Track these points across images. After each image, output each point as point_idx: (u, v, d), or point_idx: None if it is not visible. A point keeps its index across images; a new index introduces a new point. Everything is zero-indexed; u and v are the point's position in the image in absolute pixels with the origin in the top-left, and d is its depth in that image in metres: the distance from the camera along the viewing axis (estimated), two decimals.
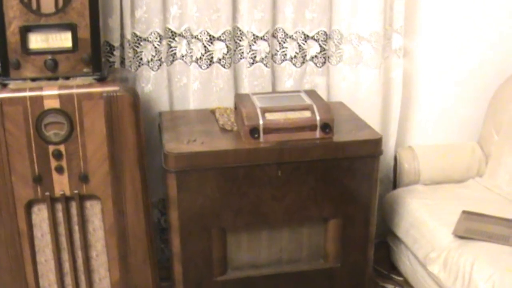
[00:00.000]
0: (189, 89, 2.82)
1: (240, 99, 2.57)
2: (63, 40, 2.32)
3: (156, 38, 2.72)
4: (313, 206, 2.52)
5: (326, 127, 2.46)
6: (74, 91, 2.29)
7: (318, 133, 2.46)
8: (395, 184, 3.02)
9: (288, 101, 2.56)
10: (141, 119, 2.38)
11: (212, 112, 2.75)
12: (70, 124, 2.30)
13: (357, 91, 2.94)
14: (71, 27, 2.31)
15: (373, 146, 2.50)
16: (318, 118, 2.45)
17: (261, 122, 2.42)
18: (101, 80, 2.35)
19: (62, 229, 2.46)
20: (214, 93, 2.81)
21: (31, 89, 2.28)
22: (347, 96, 2.94)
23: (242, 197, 2.45)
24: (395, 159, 3.01)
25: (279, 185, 2.46)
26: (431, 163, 2.99)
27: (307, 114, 2.47)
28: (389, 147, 3.01)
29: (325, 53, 2.86)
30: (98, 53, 2.36)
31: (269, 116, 2.45)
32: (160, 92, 2.79)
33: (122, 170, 2.39)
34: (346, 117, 2.72)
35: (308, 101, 2.54)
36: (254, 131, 2.42)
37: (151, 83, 2.78)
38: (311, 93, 2.64)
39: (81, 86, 2.31)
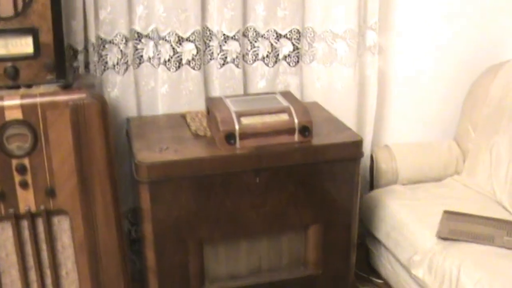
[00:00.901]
0: (157, 93, 2.63)
1: (213, 103, 2.40)
2: (24, 45, 2.11)
3: (122, 40, 2.52)
4: (293, 212, 2.35)
5: (305, 130, 2.29)
6: (38, 100, 2.08)
7: (296, 137, 2.30)
8: (371, 185, 2.88)
9: (263, 104, 2.39)
10: (110, 127, 2.19)
11: (183, 116, 2.57)
12: (34, 136, 2.10)
13: (331, 90, 2.78)
14: (32, 32, 2.10)
15: (354, 148, 2.35)
16: (296, 121, 2.29)
17: (237, 127, 2.25)
18: (66, 88, 2.15)
19: (28, 248, 2.25)
20: (184, 96, 2.63)
21: None
22: (321, 96, 2.78)
23: (219, 206, 2.27)
24: (371, 159, 2.86)
25: (258, 193, 2.29)
26: (408, 162, 2.85)
27: (284, 117, 2.30)
28: (365, 146, 2.84)
29: (298, 52, 2.70)
30: (62, 59, 2.15)
31: (245, 120, 2.28)
32: (127, 97, 2.60)
33: (92, 183, 2.19)
34: (323, 118, 2.56)
35: (284, 103, 2.37)
36: (230, 137, 2.25)
37: (118, 87, 2.58)
38: (287, 95, 2.48)
39: (45, 95, 2.10)
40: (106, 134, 2.16)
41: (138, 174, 2.20)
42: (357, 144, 2.36)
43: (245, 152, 2.25)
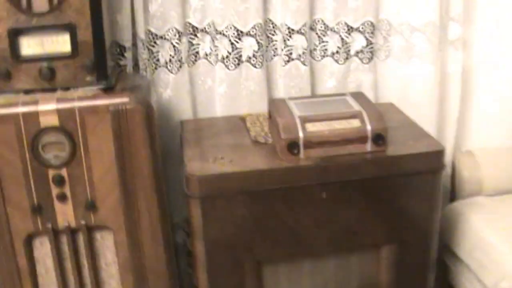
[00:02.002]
0: (214, 93, 2.29)
1: (275, 106, 2.05)
2: (60, 43, 1.81)
3: (175, 35, 2.18)
4: (364, 231, 1.99)
5: (379, 138, 1.93)
6: (76, 104, 1.79)
7: (369, 146, 1.94)
8: (452, 195, 2.49)
9: (332, 108, 2.03)
10: (156, 135, 1.87)
11: (242, 119, 2.23)
12: (72, 144, 1.81)
13: (409, 90, 2.38)
14: (69, 28, 1.80)
15: (434, 159, 1.97)
16: (369, 127, 1.92)
17: (301, 134, 1.90)
18: (108, 90, 1.85)
19: (69, 265, 1.98)
20: (244, 97, 2.28)
21: (24, 104, 1.78)
22: (397, 97, 2.39)
23: (280, 224, 1.93)
24: (453, 166, 2.47)
25: (324, 209, 1.94)
26: (494, 170, 2.43)
27: (355, 123, 1.94)
28: (446, 151, 2.45)
29: (371, 47, 2.31)
30: (103, 58, 1.84)
31: (311, 127, 1.93)
32: (182, 97, 2.26)
33: (136, 197, 1.88)
34: (399, 122, 2.18)
35: (356, 106, 2.01)
36: (293, 146, 1.90)
37: (171, 87, 2.24)
38: (359, 96, 2.11)
39: (84, 99, 1.80)
40: (152, 143, 1.85)
41: (188, 188, 1.88)
42: (439, 155, 1.97)
43: (310, 164, 1.89)
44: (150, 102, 1.87)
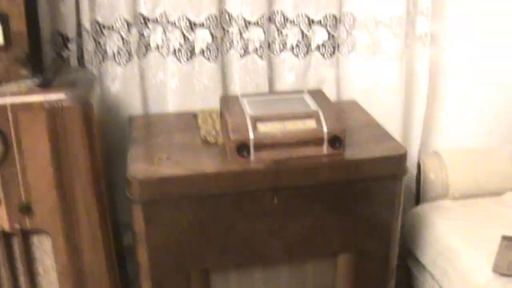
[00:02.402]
0: (166, 87, 2.13)
1: (226, 103, 1.90)
2: None
3: (124, 26, 2.02)
4: (320, 239, 1.86)
5: (336, 140, 1.79)
6: (8, 100, 1.63)
7: (325, 149, 1.80)
8: (418, 198, 2.35)
9: (287, 107, 1.88)
10: (96, 135, 1.72)
11: (195, 116, 2.09)
12: (5, 143, 1.65)
13: (373, 87, 2.24)
14: (1, 18, 1.63)
15: (396, 164, 1.83)
16: (325, 129, 1.78)
17: (251, 135, 1.76)
18: (44, 86, 1.70)
19: (3, 271, 1.84)
20: (197, 92, 2.12)
21: None
22: (361, 94, 2.24)
23: (228, 231, 1.79)
24: (418, 167, 2.34)
25: (276, 216, 1.80)
26: (461, 173, 2.29)
27: (311, 124, 1.80)
28: (412, 152, 2.33)
29: (334, 41, 2.16)
30: (38, 50, 1.69)
31: (263, 127, 1.78)
32: (131, 92, 2.10)
33: (74, 200, 1.73)
34: (361, 122, 2.05)
35: (313, 106, 1.86)
36: (242, 148, 1.76)
37: (119, 81, 2.08)
38: (317, 94, 1.96)
39: (17, 94, 1.65)
40: (91, 143, 1.70)
41: (130, 191, 1.73)
42: (401, 159, 1.83)
43: (261, 167, 1.75)
44: (89, 99, 1.70)
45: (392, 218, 1.88)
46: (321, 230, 1.85)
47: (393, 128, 2.17)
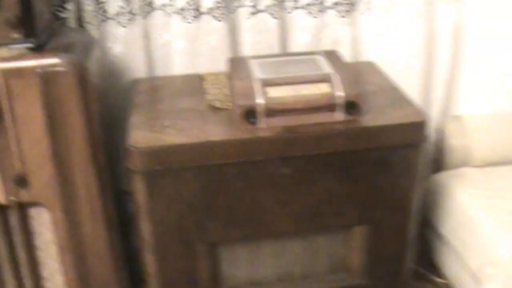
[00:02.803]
0: (172, 48, 1.99)
1: (234, 65, 1.76)
2: None
3: None
4: (332, 211, 1.73)
5: (351, 106, 1.65)
6: None
7: (339, 115, 1.66)
8: (438, 165, 2.21)
9: (299, 69, 1.74)
10: (94, 101, 1.59)
11: (202, 79, 1.96)
12: None
13: (392, 47, 2.07)
14: None
15: (415, 131, 1.69)
16: (340, 93, 1.65)
17: (260, 100, 1.62)
18: (38, 50, 1.56)
19: (1, 246, 1.74)
20: (205, 53, 1.98)
21: None
22: (379, 54, 2.07)
23: (235, 202, 1.67)
24: (439, 132, 2.19)
25: (286, 186, 1.67)
26: (485, 139, 2.12)
27: (325, 88, 1.66)
28: (432, 117, 2.17)
29: None
30: (30, 11, 1.55)
31: (273, 91, 1.64)
32: (134, 53, 1.96)
33: (72, 170, 1.62)
34: (378, 85, 1.90)
35: (326, 68, 1.72)
36: (250, 114, 1.62)
37: (121, 42, 1.94)
38: (332, 56, 1.81)
39: (8, 59, 1.52)
40: (88, 110, 1.57)
41: (130, 161, 1.61)
42: (420, 126, 1.68)
43: (271, 135, 1.62)
44: (85, 63, 1.58)
45: (409, 188, 1.74)
46: (333, 201, 1.72)
47: (412, 91, 2.02)
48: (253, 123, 1.63)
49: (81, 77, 1.54)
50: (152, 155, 1.59)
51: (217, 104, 1.77)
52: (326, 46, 2.03)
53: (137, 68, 1.98)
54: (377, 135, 1.67)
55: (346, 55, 2.00)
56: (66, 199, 1.65)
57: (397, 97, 1.82)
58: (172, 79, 1.98)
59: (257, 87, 1.63)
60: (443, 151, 2.16)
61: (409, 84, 2.01)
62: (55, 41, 1.65)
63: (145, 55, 1.97)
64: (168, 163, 1.60)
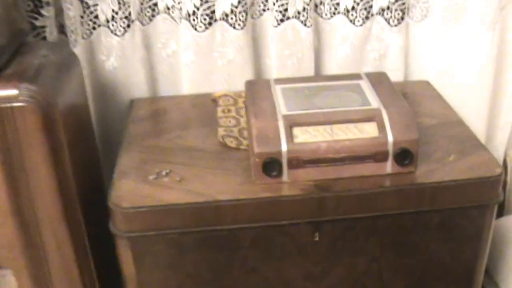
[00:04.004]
0: (179, 62, 1.53)
1: (253, 93, 1.29)
2: None
3: None
4: (376, 287, 1.30)
5: (405, 155, 1.19)
6: None
7: (389, 166, 1.21)
8: (502, 206, 1.74)
9: (337, 101, 1.27)
10: (62, 143, 1.15)
11: (214, 102, 1.51)
12: None
13: (453, 64, 1.58)
14: None
15: (487, 188, 1.21)
16: (391, 139, 1.19)
17: (284, 147, 1.17)
18: None
19: None
20: (219, 68, 1.51)
21: None
22: (436, 72, 1.59)
23: (251, 278, 1.22)
24: (504, 165, 1.72)
25: (318, 257, 1.22)
26: None
27: (371, 130, 1.18)
28: (496, 146, 1.71)
29: (403, 3, 1.51)
30: None
31: (301, 134, 1.18)
32: (132, 67, 1.49)
33: (39, 230, 1.18)
34: (437, 117, 1.41)
35: (373, 100, 1.24)
36: (271, 165, 1.16)
37: (116, 55, 1.47)
38: (379, 80, 1.33)
39: None
40: (56, 155, 1.13)
41: (112, 222, 1.18)
42: (494, 182, 1.21)
43: (298, 193, 1.16)
44: (53, 95, 1.12)
45: (477, 259, 1.27)
46: (378, 276, 1.26)
47: (475, 115, 1.56)
48: (275, 177, 1.18)
49: (47, 114, 1.09)
50: (140, 218, 1.14)
51: (231, 143, 1.32)
52: (371, 61, 1.56)
53: (136, 86, 1.51)
54: (437, 194, 1.19)
55: (396, 71, 1.54)
56: (33, 263, 1.21)
57: (464, 137, 1.33)
58: (177, 101, 1.51)
59: (280, 128, 1.17)
60: (509, 190, 1.69)
61: (472, 109, 1.54)
62: (18, 62, 1.19)
63: (146, 70, 1.51)
64: (162, 228, 1.16)
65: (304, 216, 1.17)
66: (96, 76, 1.47)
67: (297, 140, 1.16)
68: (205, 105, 1.47)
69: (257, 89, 1.30)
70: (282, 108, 1.21)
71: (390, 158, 1.18)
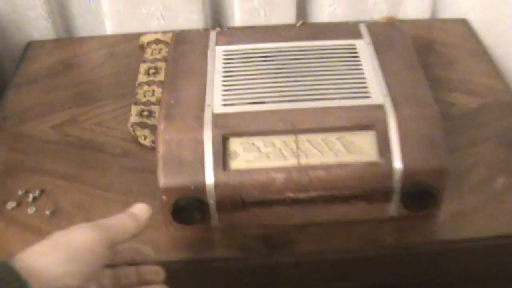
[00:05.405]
0: None
1: (175, 62, 0.70)
2: None
3: None
4: None
5: (423, 197, 0.63)
6: None
7: (393, 208, 0.65)
8: None
9: (311, 83, 0.67)
10: None
11: (142, 48, 0.93)
12: None
13: None
14: None
15: None
16: (399, 165, 0.63)
17: (210, 179, 0.59)
18: None
19: None
20: (152, 1, 0.93)
21: None
22: (477, 6, 0.99)
23: None
24: None
25: None
26: None
27: (366, 145, 0.61)
28: None
29: None
30: None
31: (242, 152, 0.61)
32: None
33: None
34: (477, 90, 0.81)
35: (375, 86, 0.65)
36: (186, 210, 0.61)
37: None
38: (391, 41, 0.72)
39: None
40: None
41: None
42: None
43: (233, 254, 0.63)
44: None
45: None
46: None
47: None
48: (194, 222, 0.64)
49: None
50: None
51: (143, 139, 0.75)
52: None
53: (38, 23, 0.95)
54: (471, 260, 0.66)
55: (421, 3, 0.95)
56: None
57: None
58: (90, 45, 0.92)
59: (207, 139, 0.61)
60: None
61: None
62: None
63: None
64: None
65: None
66: None
67: (235, 164, 0.61)
68: (130, 55, 0.91)
69: (184, 52, 0.72)
70: (216, 99, 0.65)
71: (396, 198, 0.63)
